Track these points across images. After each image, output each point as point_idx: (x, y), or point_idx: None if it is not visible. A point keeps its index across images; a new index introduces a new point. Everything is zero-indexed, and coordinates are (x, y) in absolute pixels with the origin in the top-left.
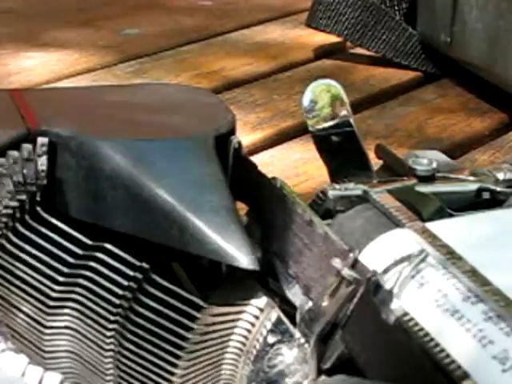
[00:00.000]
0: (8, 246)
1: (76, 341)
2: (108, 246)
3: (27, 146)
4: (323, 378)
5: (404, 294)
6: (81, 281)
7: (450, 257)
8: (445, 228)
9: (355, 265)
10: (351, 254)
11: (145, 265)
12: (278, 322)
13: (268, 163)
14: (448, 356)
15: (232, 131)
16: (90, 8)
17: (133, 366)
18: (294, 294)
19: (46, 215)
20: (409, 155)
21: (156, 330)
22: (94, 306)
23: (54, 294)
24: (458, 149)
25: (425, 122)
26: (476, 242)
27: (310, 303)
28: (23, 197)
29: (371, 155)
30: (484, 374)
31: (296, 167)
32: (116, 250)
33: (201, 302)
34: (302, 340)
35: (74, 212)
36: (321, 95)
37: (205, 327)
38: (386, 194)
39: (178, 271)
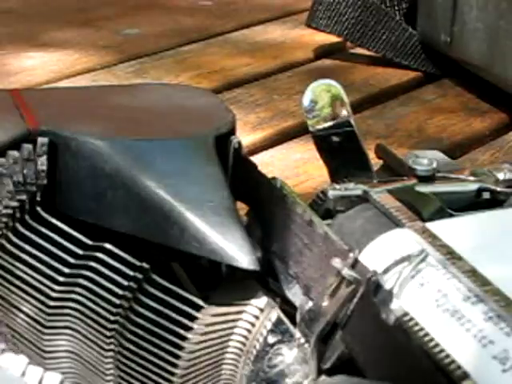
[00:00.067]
0: (8, 246)
1: (76, 341)
2: (108, 246)
3: (27, 146)
4: (323, 377)
5: (404, 293)
6: (81, 281)
7: (450, 257)
8: (445, 228)
9: (355, 265)
10: (351, 254)
11: (145, 265)
12: (278, 322)
13: (268, 163)
14: (448, 356)
15: (232, 131)
16: (90, 8)
17: (133, 366)
18: (294, 294)
19: (46, 215)
20: (409, 155)
21: (156, 330)
22: (94, 306)
23: (54, 294)
24: (457, 149)
25: (425, 122)
26: (476, 242)
27: (310, 303)
28: (23, 197)
29: (371, 155)
30: (484, 373)
31: (296, 167)
32: (116, 250)
33: (201, 302)
34: (302, 340)
35: (74, 212)
36: (321, 95)
37: (205, 327)
38: (386, 193)
39: (178, 271)
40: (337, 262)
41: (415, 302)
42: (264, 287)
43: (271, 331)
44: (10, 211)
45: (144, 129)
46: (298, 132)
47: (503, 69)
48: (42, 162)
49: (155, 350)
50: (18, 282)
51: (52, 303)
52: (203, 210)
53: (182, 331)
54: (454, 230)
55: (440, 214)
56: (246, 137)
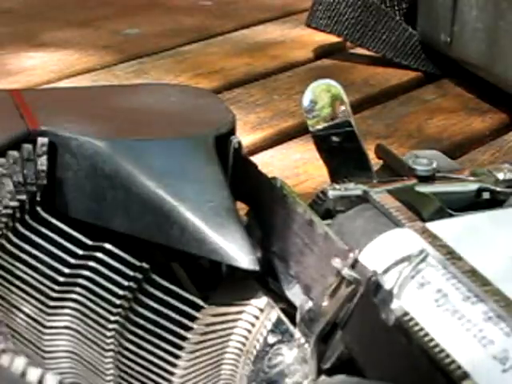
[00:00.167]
0: (8, 246)
1: (76, 341)
2: (108, 246)
3: (27, 146)
4: (323, 377)
5: (404, 294)
6: (81, 281)
7: (450, 257)
8: (445, 228)
9: (355, 265)
10: (351, 254)
11: (145, 265)
12: (278, 322)
13: (268, 163)
14: (448, 356)
15: (232, 131)
16: (90, 8)
17: (133, 366)
18: (294, 294)
19: (46, 215)
20: (409, 155)
21: (156, 330)
22: (94, 306)
23: (54, 294)
24: (457, 149)
25: (425, 121)
26: (476, 242)
27: (310, 303)
28: (23, 197)
29: (371, 155)
30: (484, 374)
31: (296, 167)
32: (116, 250)
33: (201, 302)
34: (302, 340)
35: (74, 212)
36: (321, 95)
37: (205, 327)
38: (386, 194)
39: (178, 271)
40: (337, 262)
41: (415, 302)
42: (264, 287)
43: (271, 331)
44: (9, 211)
45: (144, 129)
46: (297, 132)
47: (503, 69)
48: (42, 162)
49: (155, 350)
50: (17, 282)
51: (52, 303)
52: (203, 210)
53: (182, 331)
54: (453, 229)
55: (440, 214)
56: (245, 137)
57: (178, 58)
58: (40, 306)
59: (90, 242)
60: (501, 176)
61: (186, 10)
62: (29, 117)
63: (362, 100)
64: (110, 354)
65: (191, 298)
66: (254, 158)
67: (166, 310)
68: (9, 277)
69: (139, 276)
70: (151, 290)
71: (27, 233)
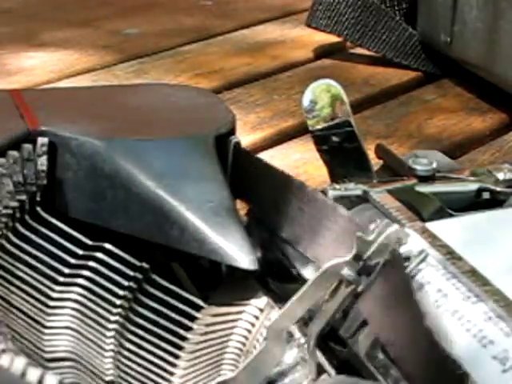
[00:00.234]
0: (8, 245)
1: (76, 341)
2: (108, 246)
3: (27, 146)
4: (323, 377)
5: None
6: (81, 281)
7: (450, 257)
8: (445, 228)
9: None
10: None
11: (145, 265)
12: None
13: None
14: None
15: (232, 131)
16: (90, 8)
17: (133, 366)
18: (312, 273)
19: (46, 215)
20: (408, 155)
21: (156, 330)
22: (94, 306)
23: (54, 294)
24: (457, 149)
25: (425, 121)
26: (476, 242)
27: None
28: (23, 197)
29: (371, 155)
30: (484, 374)
31: (296, 167)
32: (116, 250)
33: (201, 302)
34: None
35: (74, 212)
36: (321, 95)
37: (205, 327)
38: (386, 194)
39: (178, 271)
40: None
41: None
42: (264, 287)
43: None
44: (9, 211)
45: (144, 129)
46: (298, 132)
47: (503, 69)
48: (42, 162)
49: (155, 350)
50: (18, 282)
51: (52, 303)
52: (203, 209)
53: (181, 331)
54: (453, 229)
55: (440, 214)
56: (245, 137)
57: (178, 57)
58: (40, 305)
59: (89, 242)
60: (501, 176)
61: (186, 10)
62: (29, 117)
63: (362, 100)
64: (110, 354)
65: (191, 298)
66: None
67: (165, 310)
68: (9, 277)
69: (139, 276)
70: (151, 290)
71: (27, 233)
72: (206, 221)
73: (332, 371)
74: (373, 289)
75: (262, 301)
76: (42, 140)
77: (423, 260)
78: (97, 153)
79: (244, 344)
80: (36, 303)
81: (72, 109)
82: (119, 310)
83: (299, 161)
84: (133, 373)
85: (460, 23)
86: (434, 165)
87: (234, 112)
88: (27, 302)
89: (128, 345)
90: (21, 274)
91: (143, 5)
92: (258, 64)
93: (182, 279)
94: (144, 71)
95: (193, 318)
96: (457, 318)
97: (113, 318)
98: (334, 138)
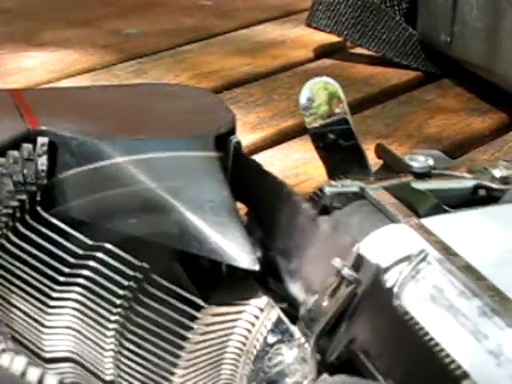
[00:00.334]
0: (8, 245)
1: (76, 340)
2: (108, 245)
3: (27, 146)
4: (323, 377)
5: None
6: (81, 281)
7: (446, 252)
8: (440, 224)
9: (359, 260)
10: (354, 249)
11: (145, 265)
12: (278, 321)
13: (268, 163)
14: (448, 356)
15: (232, 131)
16: (89, 8)
17: (133, 365)
18: (298, 290)
19: (46, 215)
20: (408, 155)
21: (156, 329)
22: (94, 306)
23: (54, 294)
24: (457, 149)
25: (425, 121)
26: (471, 238)
27: (313, 300)
28: (23, 196)
29: (371, 155)
30: (479, 368)
31: (296, 167)
32: (116, 250)
33: (201, 302)
34: (302, 340)
35: (74, 212)
36: (318, 93)
37: (205, 327)
38: (383, 190)
39: (178, 271)
40: (337, 262)
41: (411, 297)
42: (264, 287)
43: (271, 331)
44: (10, 211)
45: (144, 128)
46: (297, 132)
47: (503, 68)
48: (42, 162)
49: (155, 350)
50: (18, 282)
51: (52, 303)
52: (203, 210)
53: (182, 331)
54: (449, 225)
55: (436, 210)
56: (245, 136)
57: (178, 57)
58: (40, 305)
59: (90, 242)
60: (497, 173)
61: (185, 10)
62: (29, 116)
63: (362, 100)
64: (110, 353)
65: (191, 297)
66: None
67: (166, 310)
68: (9, 276)
69: (139, 276)
70: (151, 289)
71: (27, 232)
72: (206, 220)
73: None
74: (357, 314)
75: (263, 300)
76: (41, 140)
77: (423, 259)
78: (97, 153)
79: (244, 344)
80: (36, 303)
81: (72, 108)
82: (119, 309)
83: (299, 161)
84: (133, 372)
85: (460, 23)
86: (430, 162)
87: (234, 112)
88: (27, 301)
89: (128, 344)
90: (21, 273)
91: (143, 5)
92: (258, 64)
93: (182, 279)
94: (144, 71)
95: (193, 318)
96: (452, 313)
97: (113, 318)
98: (331, 136)
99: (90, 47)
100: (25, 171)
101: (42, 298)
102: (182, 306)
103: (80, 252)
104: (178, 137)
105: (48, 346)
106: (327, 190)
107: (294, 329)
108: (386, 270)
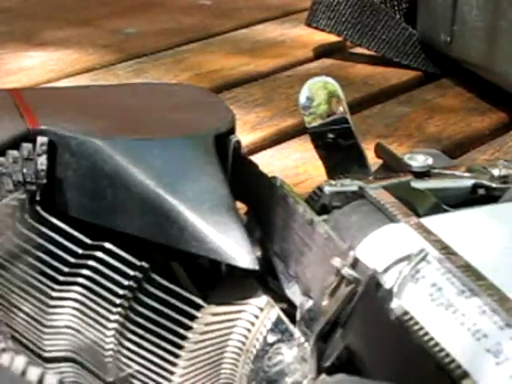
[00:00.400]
0: (8, 245)
1: (76, 340)
2: (108, 245)
3: (27, 146)
4: (323, 377)
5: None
6: (81, 280)
7: (445, 252)
8: (440, 223)
9: (355, 263)
10: (351, 253)
11: (145, 264)
12: (278, 321)
13: (268, 163)
14: (448, 355)
15: (232, 130)
16: (89, 7)
17: (133, 365)
18: (294, 294)
19: (45, 214)
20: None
21: (156, 329)
22: (94, 306)
23: (54, 293)
24: (457, 148)
25: (425, 121)
26: (471, 237)
27: (310, 302)
28: (23, 196)
29: (371, 155)
30: (478, 367)
31: (296, 167)
32: (116, 250)
33: (201, 302)
34: (302, 339)
35: (74, 211)
36: (317, 92)
37: (205, 326)
38: (382, 190)
39: (178, 271)
40: (337, 262)
41: (410, 296)
42: (264, 286)
43: (271, 330)
44: (9, 210)
45: (144, 128)
46: (297, 131)
47: (503, 68)
48: (42, 162)
49: (155, 349)
50: (18, 281)
51: (52, 302)
52: (203, 209)
53: (181, 330)
54: (448, 224)
55: (435, 210)
56: (245, 136)
57: (178, 57)
58: (40, 305)
59: (89, 242)
60: (496, 172)
61: (185, 10)
62: (28, 116)
63: (362, 99)
64: (110, 353)
65: (191, 297)
66: (254, 158)
67: (165, 310)
68: (9, 276)
69: (139, 275)
70: (151, 289)
71: (27, 232)
72: (205, 220)
73: None
74: (353, 318)
75: (262, 300)
76: (41, 139)
77: (423, 259)
78: (96, 152)
79: (244, 343)
80: (36, 302)
81: (72, 108)
82: (119, 309)
83: (299, 160)
84: (133, 372)
85: (460, 23)
86: (430, 161)
87: (234, 112)
88: (27, 301)
89: (128, 344)
90: (21, 273)
91: (143, 4)
92: (257, 64)
93: (181, 278)
94: (144, 71)
95: (192, 317)
96: (451, 312)
97: (113, 317)
98: (331, 135)
99: (90, 47)
100: (24, 171)
101: (42, 297)
102: (181, 306)
103: (80, 251)
104: (178, 136)
105: (48, 345)
106: (327, 189)
107: (294, 328)
108: (386, 269)
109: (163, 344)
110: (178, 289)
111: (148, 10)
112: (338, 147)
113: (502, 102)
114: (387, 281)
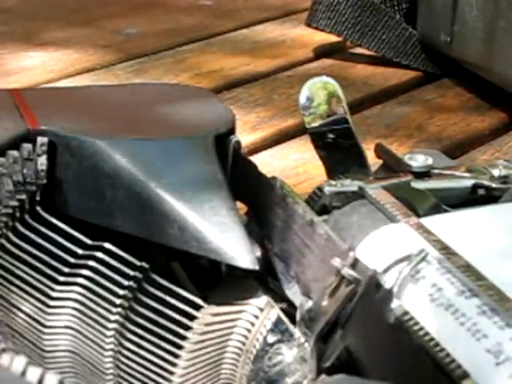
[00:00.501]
0: (8, 245)
1: (76, 340)
2: (108, 245)
3: (27, 146)
4: (323, 377)
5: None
6: (81, 280)
7: (445, 252)
8: (440, 223)
9: (355, 264)
10: (351, 254)
11: (145, 264)
12: (278, 321)
13: (268, 163)
14: (448, 355)
15: (232, 131)
16: (90, 8)
17: (133, 365)
18: (294, 294)
19: (45, 215)
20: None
21: (156, 329)
22: (93, 306)
23: (53, 294)
24: (457, 148)
25: (425, 121)
26: (470, 237)
27: (310, 303)
28: (23, 196)
29: (371, 155)
30: (478, 367)
31: (296, 167)
32: (116, 250)
33: (200, 302)
34: (302, 339)
35: (74, 212)
36: (317, 92)
37: (205, 327)
38: (382, 190)
39: (178, 271)
40: (337, 262)
41: (410, 296)
42: (264, 286)
43: (271, 331)
44: (9, 211)
45: (144, 128)
46: (297, 132)
47: (503, 68)
48: (42, 162)
49: (155, 350)
50: (17, 282)
51: (52, 303)
52: (203, 209)
53: (181, 331)
54: (448, 225)
55: (435, 210)
56: (245, 136)
57: (178, 57)
58: (40, 305)
59: (89, 242)
60: (496, 172)
61: (185, 10)
62: (28, 116)
63: (362, 100)
64: (110, 353)
65: (191, 297)
66: (254, 158)
67: (165, 310)
68: (9, 276)
69: (139, 275)
70: (151, 289)
71: (27, 232)
72: (205, 220)
73: None
74: (352, 321)
75: (262, 300)
76: (41, 139)
77: (423, 259)
78: (96, 152)
79: (244, 343)
80: (36, 303)
81: (72, 108)
82: (119, 309)
83: (299, 160)
84: (133, 372)
85: (460, 23)
86: (430, 161)
87: (234, 112)
88: (27, 301)
89: (128, 344)
90: (21, 273)
91: (143, 4)
92: (257, 64)
93: (181, 279)
94: (144, 71)
95: (192, 318)
96: (451, 312)
97: (113, 318)
98: (331, 135)
99: (90, 47)
100: (24, 171)
101: (42, 297)
102: (181, 306)
103: (80, 251)
104: (178, 137)
105: (48, 345)
106: (327, 189)
107: (294, 329)
108: (386, 269)
109: (163, 344)
110: (177, 289)
111: (148, 10)
112: (338, 147)
113: (502, 102)
114: (387, 281)
